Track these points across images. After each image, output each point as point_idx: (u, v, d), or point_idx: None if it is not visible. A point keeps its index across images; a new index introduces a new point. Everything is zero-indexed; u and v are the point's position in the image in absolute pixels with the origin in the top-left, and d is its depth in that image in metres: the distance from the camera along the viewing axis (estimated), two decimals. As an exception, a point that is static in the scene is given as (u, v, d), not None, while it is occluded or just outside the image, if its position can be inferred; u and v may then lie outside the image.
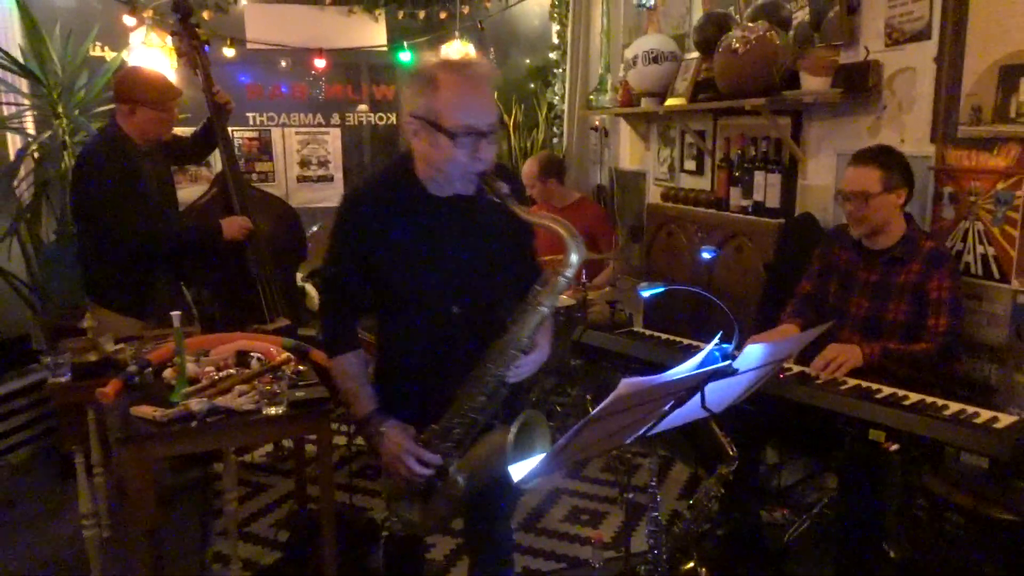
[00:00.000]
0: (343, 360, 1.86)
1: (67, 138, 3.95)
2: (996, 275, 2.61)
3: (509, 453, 1.59)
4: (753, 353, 1.40)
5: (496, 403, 1.75)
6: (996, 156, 2.58)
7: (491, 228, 1.80)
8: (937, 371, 2.41)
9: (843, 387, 2.27)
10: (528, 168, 4.28)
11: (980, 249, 2.66)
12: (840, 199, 2.56)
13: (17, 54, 4.04)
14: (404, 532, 1.87)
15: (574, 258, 1.64)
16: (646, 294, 1.45)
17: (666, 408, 1.40)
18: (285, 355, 2.47)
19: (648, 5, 4.00)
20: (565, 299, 3.97)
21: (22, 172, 4.01)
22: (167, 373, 2.41)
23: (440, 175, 1.73)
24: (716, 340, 1.36)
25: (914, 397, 2.16)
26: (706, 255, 3.52)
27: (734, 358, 1.37)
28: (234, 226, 3.23)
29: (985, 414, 2.02)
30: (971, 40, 2.62)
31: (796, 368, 2.44)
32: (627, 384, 1.17)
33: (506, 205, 1.66)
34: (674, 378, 1.28)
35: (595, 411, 1.22)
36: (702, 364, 1.35)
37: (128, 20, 4.33)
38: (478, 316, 1.79)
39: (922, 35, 2.79)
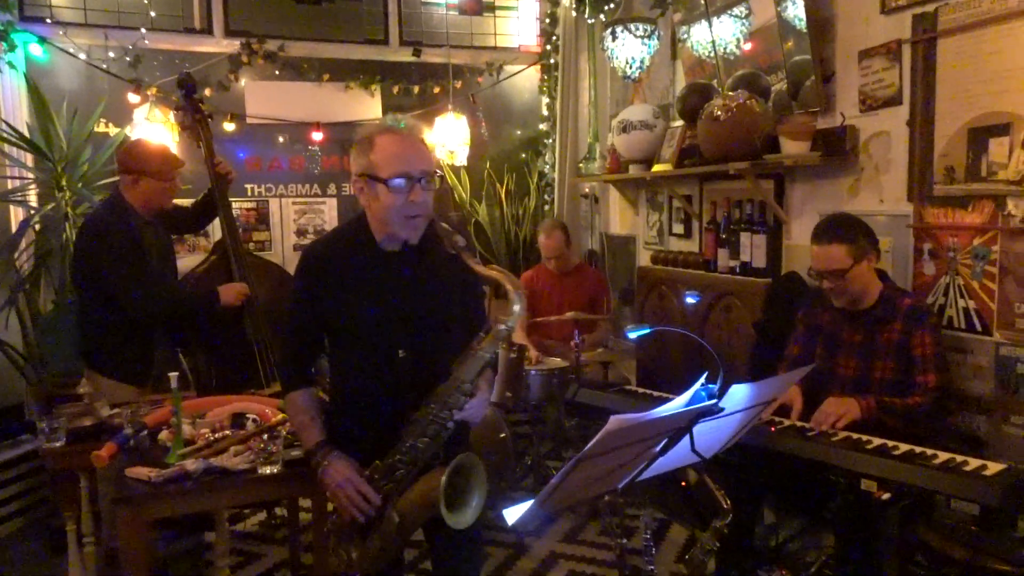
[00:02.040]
0: (296, 395, 1.98)
1: (69, 210, 4.04)
2: (979, 328, 2.67)
3: (442, 495, 1.68)
4: (738, 393, 1.44)
5: (438, 445, 1.85)
6: (971, 213, 2.67)
7: (440, 280, 1.95)
8: (931, 425, 2.43)
9: (834, 439, 2.30)
10: (558, 235, 4.36)
11: (962, 303, 2.72)
12: (815, 275, 2.58)
13: (24, 130, 4.17)
14: (346, 572, 1.92)
15: (516, 308, 1.80)
16: (633, 335, 1.50)
17: (656, 449, 1.43)
18: (281, 416, 2.49)
19: (633, 78, 4.17)
20: (558, 362, 4.02)
21: (23, 244, 4.09)
22: (162, 436, 2.42)
23: (384, 225, 1.88)
24: (702, 380, 1.41)
25: (904, 447, 2.18)
26: (690, 300, 3.62)
27: (720, 398, 1.41)
28: (231, 292, 3.28)
29: (974, 462, 2.04)
30: (940, 104, 2.75)
31: (798, 424, 2.45)
32: (616, 420, 1.20)
33: (460, 257, 1.83)
34: (662, 415, 1.31)
35: (585, 448, 1.25)
36: (689, 403, 1.39)
37: (132, 97, 4.49)
38: (423, 361, 1.90)
39: (894, 101, 2.93)
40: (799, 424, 2.43)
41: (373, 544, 1.85)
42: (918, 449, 2.15)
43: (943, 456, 2.10)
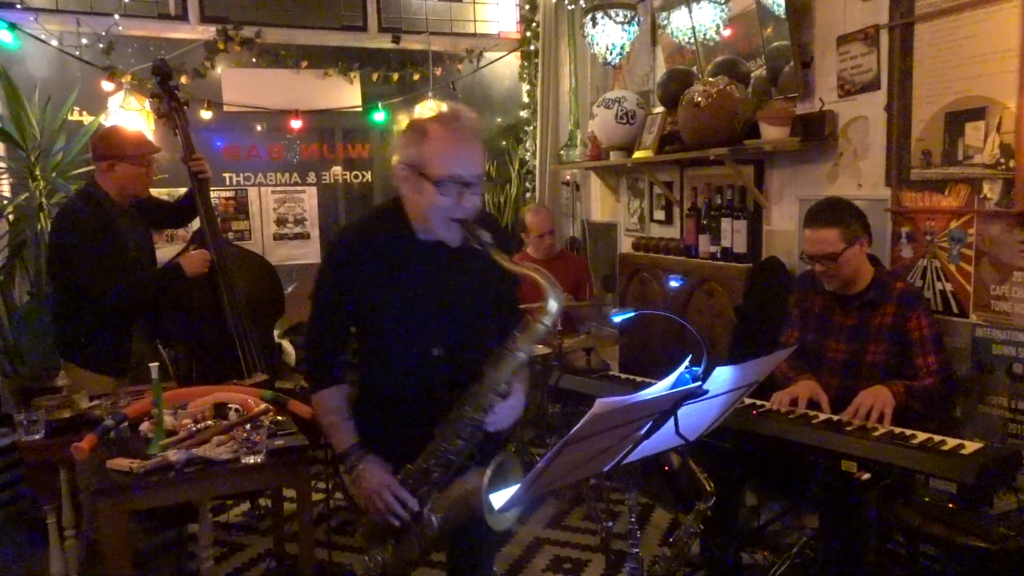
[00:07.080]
0: (326, 394, 1.88)
1: (43, 200, 3.98)
2: (955, 310, 2.71)
3: (484, 495, 1.62)
4: (722, 376, 1.45)
5: (472, 446, 1.78)
6: (948, 197, 2.71)
7: (475, 275, 1.84)
8: (943, 406, 2.47)
9: (814, 421, 2.32)
10: (545, 213, 4.33)
11: (939, 285, 2.76)
12: (807, 259, 2.58)
13: (-5, 120, 4.10)
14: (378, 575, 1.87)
15: (553, 306, 1.69)
16: (618, 319, 1.50)
17: (641, 432, 1.44)
18: (264, 405, 2.47)
19: (613, 64, 4.16)
20: (541, 348, 4.02)
21: (-4, 234, 4.03)
22: (144, 427, 2.39)
23: (424, 221, 1.77)
24: (686, 363, 1.42)
25: (882, 428, 2.21)
26: (673, 283, 3.62)
27: (704, 380, 1.42)
28: (194, 261, 3.17)
29: (952, 442, 2.08)
30: (917, 89, 2.77)
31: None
32: (602, 403, 1.21)
33: (488, 254, 1.71)
34: (647, 398, 1.32)
35: (572, 432, 1.25)
36: (674, 386, 1.40)
37: (107, 85, 4.41)
38: (458, 359, 1.83)
39: (872, 86, 2.95)
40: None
41: (410, 548, 1.79)
42: (897, 430, 2.19)
43: (921, 436, 2.13)
